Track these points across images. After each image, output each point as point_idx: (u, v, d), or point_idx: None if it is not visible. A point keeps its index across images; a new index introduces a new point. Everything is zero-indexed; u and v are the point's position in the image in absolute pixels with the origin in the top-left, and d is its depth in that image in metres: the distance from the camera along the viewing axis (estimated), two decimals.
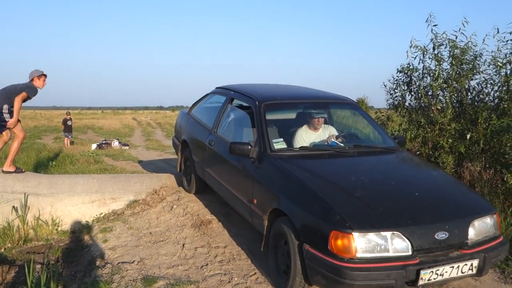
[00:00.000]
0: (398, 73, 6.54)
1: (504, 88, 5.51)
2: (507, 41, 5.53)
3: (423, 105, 6.22)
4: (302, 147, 4.05)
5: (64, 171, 8.59)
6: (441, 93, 6.00)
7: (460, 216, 3.07)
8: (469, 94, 5.90)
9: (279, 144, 3.99)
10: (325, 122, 4.55)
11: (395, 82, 6.63)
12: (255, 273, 3.76)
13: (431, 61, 6.08)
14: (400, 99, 6.59)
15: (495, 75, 5.67)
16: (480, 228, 3.07)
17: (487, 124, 5.41)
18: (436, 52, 6.00)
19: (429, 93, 6.07)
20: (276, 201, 3.39)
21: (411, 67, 6.33)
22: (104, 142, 17.24)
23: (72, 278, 4.26)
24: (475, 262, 2.92)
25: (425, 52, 6.10)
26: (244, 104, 4.69)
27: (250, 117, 4.29)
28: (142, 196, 5.97)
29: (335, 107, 5.07)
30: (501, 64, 5.53)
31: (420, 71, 6.25)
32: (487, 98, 5.76)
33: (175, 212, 5.37)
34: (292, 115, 4.93)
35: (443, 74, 5.93)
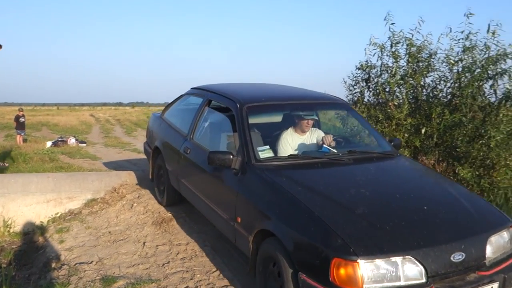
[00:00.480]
0: (357, 70, 6.67)
1: (456, 85, 5.73)
2: (459, 40, 5.76)
3: (381, 101, 6.37)
4: (291, 155, 3.54)
5: (17, 170, 8.25)
6: (398, 90, 6.17)
7: (476, 233, 2.70)
8: (424, 90, 6.10)
9: (265, 152, 3.52)
10: (313, 125, 4.16)
11: (354, 78, 6.76)
12: (217, 269, 3.75)
13: (389, 58, 6.24)
14: (359, 95, 6.72)
15: (448, 73, 5.90)
16: (497, 244, 2.72)
17: (440, 119, 5.61)
18: (393, 49, 6.15)
19: (387, 89, 6.22)
20: (264, 220, 2.93)
21: (369, 64, 6.47)
22: (59, 139, 16.70)
23: (26, 281, 4.11)
24: (495, 286, 2.58)
25: (383, 50, 6.24)
26: (224, 106, 4.20)
27: (231, 121, 3.81)
28: (100, 195, 5.81)
29: (325, 107, 4.67)
30: (453, 62, 5.75)
31: (378, 68, 6.40)
32: (440, 94, 5.98)
33: (135, 210, 5.26)
34: (277, 118, 4.42)
35: (400, 71, 6.10)
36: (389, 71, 6.19)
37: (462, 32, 5.69)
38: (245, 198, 3.20)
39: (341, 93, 6.84)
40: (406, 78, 5.98)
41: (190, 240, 4.38)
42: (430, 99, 5.98)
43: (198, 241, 4.32)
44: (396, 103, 6.11)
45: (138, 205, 5.35)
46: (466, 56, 5.67)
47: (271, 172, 3.22)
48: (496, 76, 5.54)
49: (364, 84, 6.62)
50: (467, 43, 5.67)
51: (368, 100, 6.69)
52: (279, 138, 3.93)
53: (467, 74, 5.62)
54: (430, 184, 3.43)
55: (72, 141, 16.52)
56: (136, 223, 4.93)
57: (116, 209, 5.37)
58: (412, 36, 6.02)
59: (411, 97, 6.14)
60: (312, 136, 4.05)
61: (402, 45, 6.10)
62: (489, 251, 2.65)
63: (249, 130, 3.53)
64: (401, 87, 6.10)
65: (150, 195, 5.61)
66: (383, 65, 6.30)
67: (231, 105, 3.86)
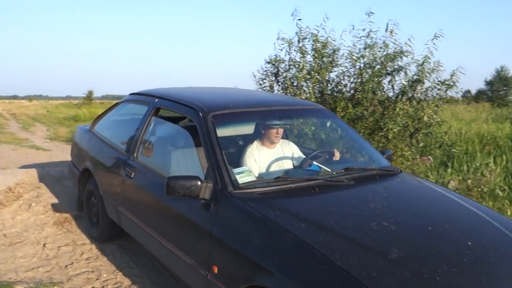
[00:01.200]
0: (267, 64, 6.78)
1: (359, 80, 6.06)
2: (361, 37, 6.10)
3: (289, 95, 6.54)
4: (278, 178, 2.69)
5: None
6: (305, 84, 6.36)
7: None
8: (329, 85, 6.36)
9: (244, 175, 2.71)
10: (283, 136, 3.51)
11: (264, 72, 6.86)
12: (125, 267, 3.62)
13: (296, 53, 6.41)
14: (268, 88, 6.83)
15: (351, 68, 6.21)
16: None
17: (344, 113, 5.90)
18: (300, 45, 6.33)
19: (295, 83, 6.39)
20: (259, 273, 2.12)
21: (278, 58, 6.60)
22: None
23: None
24: None
25: (290, 45, 6.40)
26: (179, 116, 3.55)
27: (191, 135, 3.14)
28: None
29: (305, 115, 4.01)
30: (356, 58, 6.07)
31: (287, 63, 6.55)
32: (344, 89, 6.28)
33: (34, 210, 4.88)
34: (248, 129, 3.61)
35: (306, 66, 6.30)
36: (297, 66, 6.36)
37: (363, 30, 6.04)
38: (224, 241, 2.34)
39: (252, 86, 6.91)
40: (313, 73, 6.20)
41: (96, 240, 4.18)
42: (335, 94, 6.26)
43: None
44: (303, 97, 6.31)
45: (37, 205, 4.97)
46: (367, 53, 6.02)
47: (257, 202, 2.41)
48: (394, 72, 5.98)
49: (273, 78, 6.75)
50: (368, 41, 6.04)
51: (277, 93, 6.83)
52: (243, 154, 3.19)
53: (368, 70, 5.96)
54: (456, 208, 2.78)
55: None
56: (35, 224, 4.57)
57: (11, 210, 4.92)
58: (318, 32, 6.26)
59: (317, 91, 6.37)
60: (285, 149, 3.40)
61: (309, 40, 6.31)
62: None
63: (220, 146, 2.72)
64: (308, 81, 6.30)
65: (50, 193, 5.24)
66: (291, 60, 6.47)
67: (191, 114, 3.04)
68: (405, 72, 5.94)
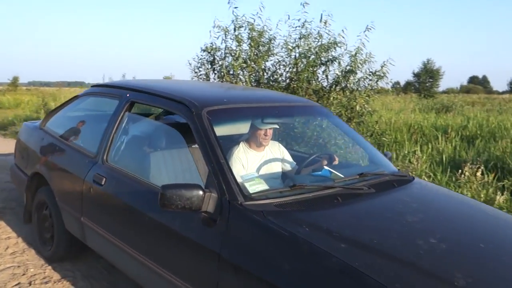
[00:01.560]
0: (202, 52, 6.69)
1: (294, 69, 6.14)
2: (296, 27, 6.17)
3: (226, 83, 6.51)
4: (294, 186, 2.25)
5: None
6: (241, 73, 6.35)
7: None
8: (265, 74, 6.40)
9: (254, 183, 2.30)
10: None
11: (200, 60, 6.77)
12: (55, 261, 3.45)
13: (232, 41, 6.38)
14: (204, 77, 6.75)
15: (287, 58, 6.29)
16: None
17: None
18: (236, 33, 6.30)
19: (231, 72, 6.36)
20: None
21: (214, 46, 6.53)
22: None
23: None
24: None
25: (227, 33, 6.35)
26: (161, 111, 3.19)
27: (177, 134, 2.78)
28: None
29: (303, 113, 3.47)
30: (291, 48, 6.14)
31: (223, 51, 6.50)
32: (280, 78, 6.35)
33: None
34: (243, 128, 3.14)
35: (243, 55, 6.28)
36: (233, 54, 6.33)
37: (299, 20, 6.11)
38: (240, 266, 1.88)
39: (187, 75, 6.80)
40: (249, 61, 6.20)
41: (22, 233, 3.98)
42: (271, 83, 6.31)
43: (32, 233, 3.89)
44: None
45: None
46: (302, 43, 6.11)
47: (279, 217, 1.97)
48: (328, 63, 6.11)
49: (209, 66, 6.68)
50: (303, 31, 6.13)
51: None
52: (228, 158, 2.70)
53: (303, 60, 6.06)
54: (490, 220, 2.49)
55: None
56: None
57: None
58: (254, 21, 6.26)
59: (253, 80, 6.38)
60: (274, 152, 3.04)
61: (245, 29, 6.30)
62: None
63: (221, 148, 2.26)
64: (244, 70, 6.30)
65: None
66: (227, 48, 6.43)
67: (180, 110, 2.55)
68: (339, 63, 6.10)
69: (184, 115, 2.49)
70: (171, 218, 2.21)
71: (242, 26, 6.29)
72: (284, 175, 2.94)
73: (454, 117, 12.09)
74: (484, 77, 62.18)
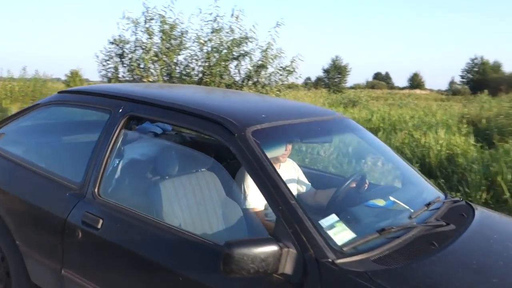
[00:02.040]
0: (110, 44, 6.44)
1: (206, 64, 6.12)
2: (208, 21, 6.14)
3: (136, 77, 6.31)
4: (383, 230, 1.65)
5: None
6: (153, 66, 6.21)
7: None
8: (177, 68, 6.31)
9: (338, 230, 1.67)
10: None
11: (108, 53, 6.51)
12: None
13: (143, 34, 6.21)
14: (113, 71, 6.51)
15: (199, 52, 6.25)
16: None
17: None
18: (147, 25, 6.14)
19: (141, 65, 6.19)
20: None
21: (123, 39, 6.31)
22: None
23: None
24: None
25: (137, 25, 6.17)
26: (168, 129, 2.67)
27: (197, 153, 2.29)
28: None
29: (338, 130, 2.64)
30: (203, 42, 6.11)
31: (132, 44, 6.30)
32: (192, 72, 6.30)
33: None
34: (279, 151, 2.42)
35: (154, 48, 6.13)
36: (144, 47, 6.17)
37: (211, 14, 6.09)
38: None
39: (94, 69, 6.50)
40: (160, 55, 6.07)
41: None
42: (183, 77, 6.24)
43: None
44: (151, 80, 6.15)
45: None
46: (214, 37, 6.10)
47: (389, 279, 1.44)
48: (240, 57, 6.17)
49: (118, 59, 6.44)
50: (215, 25, 6.12)
51: (123, 76, 6.55)
52: (241, 178, 2.29)
53: (215, 54, 6.06)
54: None
55: None
56: None
57: None
58: (166, 13, 6.14)
59: (165, 74, 6.27)
60: (289, 170, 2.61)
61: (156, 22, 6.16)
62: None
63: (284, 182, 1.65)
64: (155, 63, 6.16)
65: None
66: (137, 41, 6.24)
67: (212, 129, 1.87)
68: (250, 58, 6.19)
69: (221, 137, 1.84)
70: (219, 279, 1.57)
71: (153, 19, 6.15)
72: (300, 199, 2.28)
73: (360, 111, 12.84)
74: (387, 74, 66.56)
